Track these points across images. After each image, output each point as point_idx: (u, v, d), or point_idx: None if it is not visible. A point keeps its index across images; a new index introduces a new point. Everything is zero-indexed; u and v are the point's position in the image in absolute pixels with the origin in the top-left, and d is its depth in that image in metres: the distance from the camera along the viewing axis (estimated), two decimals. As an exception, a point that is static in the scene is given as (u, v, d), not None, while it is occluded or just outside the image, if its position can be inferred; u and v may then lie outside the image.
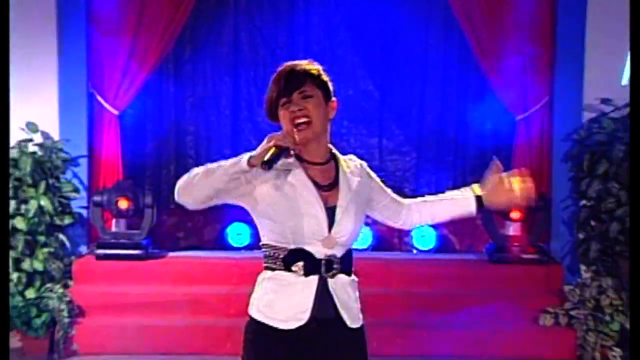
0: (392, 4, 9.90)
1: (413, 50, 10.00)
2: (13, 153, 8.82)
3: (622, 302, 8.14)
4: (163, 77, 10.06)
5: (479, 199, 3.54)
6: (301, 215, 3.26)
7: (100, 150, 9.59)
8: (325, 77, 3.37)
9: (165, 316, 8.49)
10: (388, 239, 9.93)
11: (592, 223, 8.81)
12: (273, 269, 3.33)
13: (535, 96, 9.44)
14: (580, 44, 9.18)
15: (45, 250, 8.77)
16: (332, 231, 3.28)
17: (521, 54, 9.41)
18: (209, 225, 10.11)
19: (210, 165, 3.21)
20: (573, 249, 9.03)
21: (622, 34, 8.79)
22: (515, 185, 3.52)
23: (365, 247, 9.52)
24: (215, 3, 10.08)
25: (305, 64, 3.35)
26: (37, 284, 8.60)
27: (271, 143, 3.11)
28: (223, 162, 3.17)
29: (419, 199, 3.65)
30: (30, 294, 8.42)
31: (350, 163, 3.48)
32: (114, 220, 9.23)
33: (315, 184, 3.33)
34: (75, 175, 9.35)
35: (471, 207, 3.55)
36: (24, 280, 8.58)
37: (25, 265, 8.61)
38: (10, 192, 8.67)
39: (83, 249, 9.35)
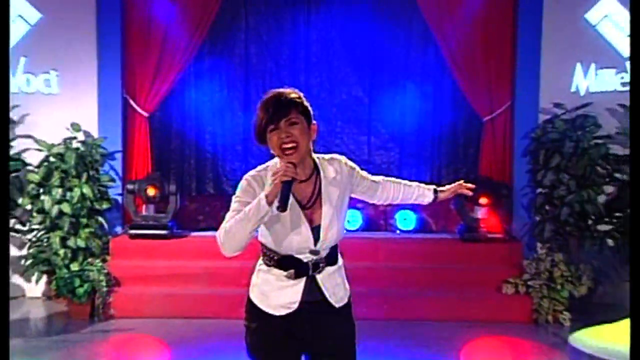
0: (378, 24, 9.87)
1: (396, 61, 9.94)
2: (60, 149, 8.87)
3: (571, 274, 8.16)
4: (185, 85, 10.01)
5: (435, 194, 3.63)
6: (289, 233, 3.18)
7: (132, 146, 9.63)
8: (306, 104, 3.23)
9: (187, 286, 8.51)
10: (375, 221, 9.88)
11: (547, 207, 8.91)
12: (268, 265, 3.28)
13: (499, 101, 9.44)
14: (537, 58, 9.16)
15: (87, 230, 8.80)
16: (317, 245, 3.22)
17: (488, 66, 9.40)
18: (224, 210, 9.95)
19: (236, 218, 3.11)
20: (531, 229, 9.08)
21: (571, 51, 9.00)
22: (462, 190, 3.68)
23: (355, 228, 9.49)
24: (229, 22, 10.00)
25: (289, 92, 3.21)
26: (80, 258, 8.62)
27: (277, 180, 3.03)
28: (244, 211, 3.09)
29: (394, 180, 3.61)
30: (75, 267, 8.43)
31: (329, 168, 3.32)
32: (144, 206, 9.24)
33: (299, 203, 3.22)
34: (111, 167, 9.37)
35: (429, 198, 3.63)
36: (69, 255, 8.61)
37: (71, 243, 8.64)
38: (57, 182, 8.72)
39: (118, 229, 9.36)
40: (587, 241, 8.65)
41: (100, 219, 8.98)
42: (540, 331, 7.86)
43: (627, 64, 8.81)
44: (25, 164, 9.03)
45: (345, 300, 3.32)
